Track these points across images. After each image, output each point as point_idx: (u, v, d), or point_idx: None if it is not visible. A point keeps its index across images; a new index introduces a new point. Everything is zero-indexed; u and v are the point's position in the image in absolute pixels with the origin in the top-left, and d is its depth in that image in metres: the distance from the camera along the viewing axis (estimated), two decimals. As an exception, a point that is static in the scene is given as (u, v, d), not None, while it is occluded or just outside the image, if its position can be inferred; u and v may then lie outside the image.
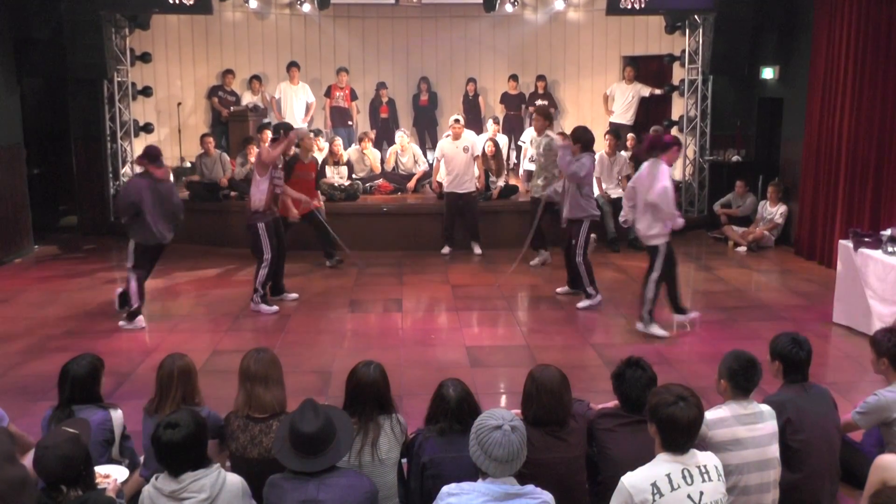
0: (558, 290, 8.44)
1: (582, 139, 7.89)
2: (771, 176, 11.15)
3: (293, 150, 8.85)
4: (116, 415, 4.02)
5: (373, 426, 3.65)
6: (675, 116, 12.44)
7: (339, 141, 11.31)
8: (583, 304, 7.97)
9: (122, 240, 11.32)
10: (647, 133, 11.00)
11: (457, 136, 10.10)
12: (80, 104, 11.54)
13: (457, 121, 10.21)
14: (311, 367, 6.51)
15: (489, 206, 10.57)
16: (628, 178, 10.74)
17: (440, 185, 10.45)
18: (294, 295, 8.47)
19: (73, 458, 3.09)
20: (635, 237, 10.58)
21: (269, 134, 11.52)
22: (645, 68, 12.89)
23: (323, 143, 11.52)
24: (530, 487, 3.00)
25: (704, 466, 3.09)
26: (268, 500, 3.26)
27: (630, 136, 11.62)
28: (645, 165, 7.08)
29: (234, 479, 3.24)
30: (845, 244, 7.37)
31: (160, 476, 3.17)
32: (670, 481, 3.01)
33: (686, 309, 7.25)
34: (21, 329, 7.41)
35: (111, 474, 3.60)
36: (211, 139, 10.99)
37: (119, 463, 3.95)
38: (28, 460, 3.16)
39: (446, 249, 10.31)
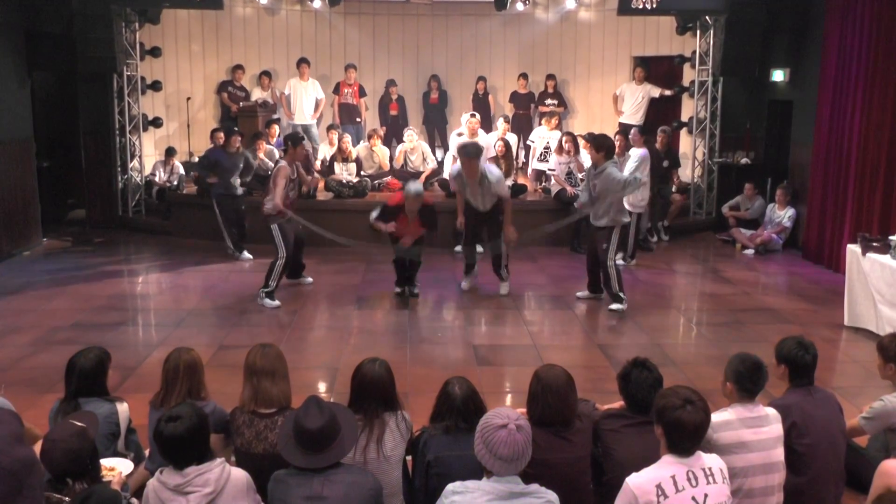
0: (579, 294, 8.27)
1: (605, 147, 7.74)
2: (780, 179, 11.11)
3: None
4: (122, 408, 4.03)
5: (378, 423, 3.65)
6: (684, 118, 12.41)
7: (347, 138, 11.33)
8: (615, 306, 7.79)
9: (131, 233, 11.44)
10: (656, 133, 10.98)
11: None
12: (89, 98, 11.57)
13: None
14: (317, 364, 6.53)
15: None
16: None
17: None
18: (309, 279, 8.76)
19: (79, 451, 3.11)
20: (643, 238, 10.60)
21: (276, 129, 11.60)
22: (655, 69, 12.86)
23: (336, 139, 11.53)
24: (535, 486, 3.00)
25: (709, 469, 3.09)
26: (273, 495, 3.27)
27: (633, 130, 11.45)
28: None
29: (239, 474, 3.24)
30: (853, 248, 7.34)
31: (165, 470, 3.17)
32: (675, 483, 3.01)
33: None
34: (29, 322, 7.43)
35: (116, 467, 3.62)
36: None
37: (124, 456, 3.96)
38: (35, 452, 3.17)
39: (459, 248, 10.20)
